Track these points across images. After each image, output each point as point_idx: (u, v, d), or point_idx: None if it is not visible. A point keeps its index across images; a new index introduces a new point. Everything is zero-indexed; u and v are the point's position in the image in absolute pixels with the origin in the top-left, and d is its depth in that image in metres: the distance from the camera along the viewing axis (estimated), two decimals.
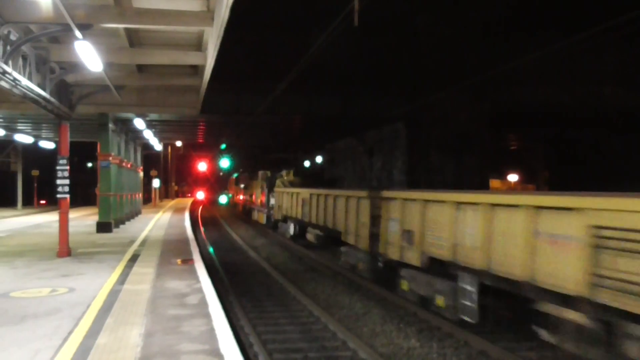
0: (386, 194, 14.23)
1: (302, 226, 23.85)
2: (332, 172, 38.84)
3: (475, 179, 22.88)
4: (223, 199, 67.82)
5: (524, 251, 8.54)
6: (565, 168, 33.12)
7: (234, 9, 10.02)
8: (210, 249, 23.86)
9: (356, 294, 14.36)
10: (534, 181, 44.86)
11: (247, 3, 12.64)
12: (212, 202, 76.53)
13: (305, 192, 22.99)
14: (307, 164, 66.33)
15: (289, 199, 26.16)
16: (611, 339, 7.18)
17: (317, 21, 14.48)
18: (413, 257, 12.22)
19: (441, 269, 11.22)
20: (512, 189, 49.39)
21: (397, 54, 22.94)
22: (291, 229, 25.79)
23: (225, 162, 66.66)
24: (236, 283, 15.95)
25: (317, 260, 20.08)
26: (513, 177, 48.57)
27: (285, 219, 27.12)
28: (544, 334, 8.66)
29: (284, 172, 33.02)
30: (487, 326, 10.13)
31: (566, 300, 7.80)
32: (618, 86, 22.65)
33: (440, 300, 11.17)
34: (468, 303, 10.08)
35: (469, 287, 10.08)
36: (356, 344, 9.92)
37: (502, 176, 49.88)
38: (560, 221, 7.92)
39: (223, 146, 55.44)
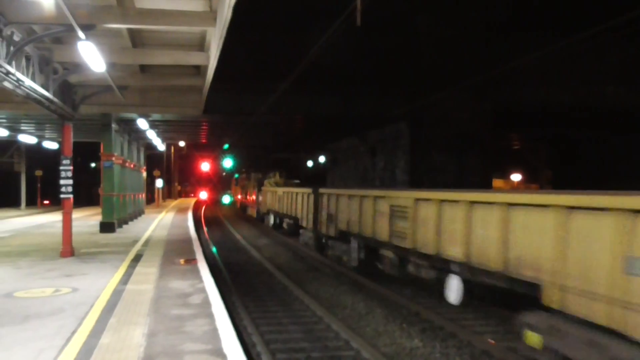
0: (321, 190, 20.74)
1: (280, 217, 30.22)
2: (310, 172, 44.09)
3: (477, 178, 22.87)
4: (226, 199, 69.38)
5: (371, 221, 15.21)
6: (567, 168, 33.09)
7: (236, 9, 10.03)
8: (214, 249, 23.90)
9: (359, 294, 14.38)
10: (536, 181, 44.84)
11: (249, 3, 12.65)
12: (215, 202, 76.62)
13: (280, 190, 29.84)
14: (310, 164, 66.52)
15: (270, 196, 32.84)
16: (402, 264, 13.48)
17: (319, 21, 14.48)
18: (331, 231, 18.99)
19: (345, 237, 17.50)
20: (514, 188, 49.38)
21: (398, 53, 22.94)
22: (271, 219, 32.46)
23: (228, 163, 67.96)
24: (239, 283, 15.98)
25: (320, 260, 20.11)
26: (516, 177, 48.56)
27: (268, 212, 33.70)
28: (378, 266, 15.15)
29: (271, 174, 39.20)
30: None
31: (384, 245, 14.43)
32: (619, 86, 22.62)
33: (344, 257, 17.84)
34: (354, 256, 16.68)
35: (354, 247, 16.67)
36: (359, 344, 9.94)
37: (505, 176, 49.87)
38: (380, 205, 14.69)
39: (226, 146, 55.77)
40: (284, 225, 28.94)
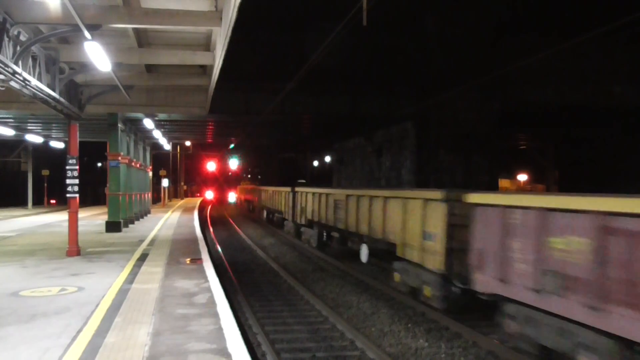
0: (297, 189, 26.06)
1: (270, 212, 35.62)
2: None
3: (484, 178, 22.78)
4: (232, 198, 73.62)
5: (324, 212, 20.58)
6: (575, 167, 32.92)
7: (241, 9, 10.01)
8: (219, 249, 23.91)
9: (364, 294, 14.35)
10: (543, 181, 44.64)
11: (254, 3, 12.64)
12: (221, 201, 76.75)
13: (270, 190, 35.92)
14: (316, 163, 66.66)
15: (264, 195, 39.24)
16: (342, 241, 18.76)
17: (325, 21, 14.46)
18: (303, 220, 24.48)
19: (311, 225, 23.04)
20: (520, 188, 49.20)
21: (405, 53, 22.91)
22: (265, 214, 38.52)
23: (234, 163, 70.78)
24: (244, 282, 15.98)
25: (325, 260, 20.09)
26: (523, 177, 48.40)
27: (262, 208, 40.16)
28: (329, 244, 20.85)
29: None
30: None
31: (332, 228, 19.80)
32: (627, 85, 22.49)
33: (312, 240, 22.96)
34: (315, 238, 22.20)
35: (316, 231, 22.08)
36: (364, 344, 9.91)
37: (512, 176, 49.69)
38: (329, 200, 19.96)
39: (232, 146, 56.14)
40: (274, 218, 34.05)
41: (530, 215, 8.54)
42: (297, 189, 26.07)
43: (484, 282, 9.81)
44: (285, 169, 70.63)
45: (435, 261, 11.72)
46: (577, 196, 7.84)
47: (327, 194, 20.65)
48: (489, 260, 9.69)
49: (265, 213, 38.27)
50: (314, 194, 22.42)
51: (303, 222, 24.45)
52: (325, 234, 21.52)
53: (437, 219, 11.80)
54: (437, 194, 11.98)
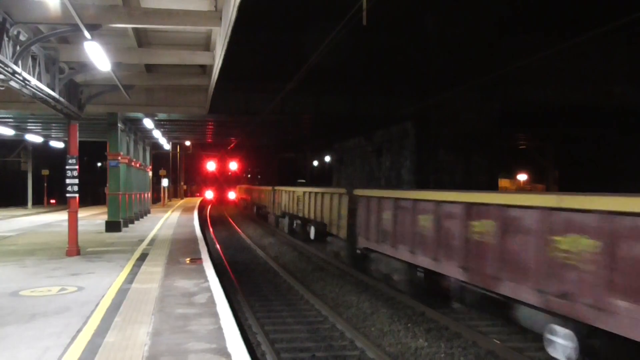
0: (276, 188, 32.67)
1: (259, 207, 42.49)
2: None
3: (484, 178, 22.77)
4: (232, 197, 75.51)
5: (291, 204, 27.39)
6: (575, 167, 32.92)
7: (241, 9, 10.01)
8: (219, 248, 23.92)
9: (364, 294, 14.35)
10: (543, 181, 44.62)
11: (254, 3, 12.64)
12: (221, 201, 76.84)
13: (259, 189, 43.46)
14: (315, 163, 66.71)
15: (255, 194, 45.26)
16: (303, 226, 25.45)
17: (325, 21, 14.46)
18: (278, 212, 31.24)
19: (284, 215, 29.08)
20: (520, 188, 49.20)
21: (405, 53, 22.91)
22: (255, 209, 45.20)
23: (233, 164, 72.48)
24: (244, 282, 15.98)
25: (325, 260, 20.10)
26: (523, 177, 48.39)
27: (253, 205, 46.53)
28: (295, 230, 26.95)
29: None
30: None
31: (296, 217, 26.90)
32: (627, 85, 22.49)
33: (285, 227, 29.01)
34: (286, 225, 28.58)
35: (287, 220, 28.45)
36: (364, 344, 9.91)
37: (512, 175, 49.68)
38: (294, 195, 26.83)
39: (232, 146, 56.39)
40: (254, 210, 43.65)
41: (373, 201, 15.05)
42: (275, 187, 33.01)
43: (361, 241, 15.96)
44: (284, 169, 70.69)
45: (343, 233, 18.09)
46: (387, 190, 17.41)
47: (293, 192, 27.41)
48: (362, 229, 15.83)
49: (255, 208, 45.21)
50: (285, 191, 29.37)
51: (279, 213, 31.39)
52: (293, 221, 27.82)
53: (343, 206, 18.23)
54: (343, 190, 19.01)
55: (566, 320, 7.85)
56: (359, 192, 16.73)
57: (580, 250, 7.48)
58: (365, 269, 16.02)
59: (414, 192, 13.41)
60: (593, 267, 7.22)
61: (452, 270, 10.91)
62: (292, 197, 27.10)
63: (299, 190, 25.81)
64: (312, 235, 23.22)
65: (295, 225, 27.38)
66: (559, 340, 8.11)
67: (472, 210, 10.29)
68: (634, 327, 6.54)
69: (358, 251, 16.10)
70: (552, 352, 8.28)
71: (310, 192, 23.30)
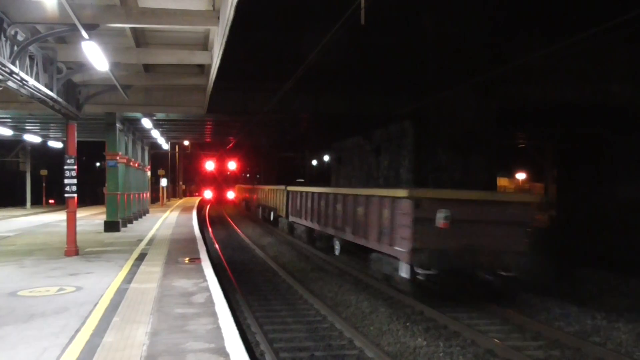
0: (256, 187, 46.54)
1: (248, 203, 51.38)
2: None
3: (482, 177, 22.75)
4: (231, 197, 76.49)
5: (264, 198, 38.11)
6: (574, 166, 32.91)
7: (238, 8, 10.00)
8: (217, 248, 23.91)
9: (363, 293, 14.35)
10: (542, 180, 44.60)
11: (251, 2, 12.61)
12: (219, 201, 76.86)
13: (247, 188, 55.24)
14: (314, 162, 66.85)
15: (249, 193, 52.42)
16: (270, 213, 35.43)
17: (323, 20, 14.43)
18: (257, 204, 42.97)
19: (258, 206, 42.04)
20: (519, 187, 49.21)
21: (403, 52, 22.87)
22: (244, 204, 55.63)
23: (232, 164, 73.14)
24: (243, 282, 15.98)
25: (324, 259, 20.10)
26: (521, 176, 48.36)
27: (244, 202, 56.15)
28: (266, 216, 37.11)
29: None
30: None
31: (266, 207, 36.90)
32: (625, 84, 22.49)
33: (259, 214, 41.31)
34: (260, 214, 40.76)
35: (260, 210, 40.71)
36: (362, 343, 9.92)
37: (510, 174, 49.68)
38: (265, 192, 37.78)
39: (230, 146, 56.48)
40: (247, 204, 52.58)
41: (295, 193, 26.19)
42: (256, 186, 46.73)
43: (291, 218, 27.14)
44: (283, 168, 70.65)
45: (285, 214, 28.85)
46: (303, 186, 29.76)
47: (263, 189, 39.21)
48: (291, 210, 27.37)
49: (244, 203, 55.92)
50: (262, 189, 40.01)
51: (258, 205, 42.50)
52: (264, 211, 37.20)
53: (283, 197, 29.19)
54: (282, 187, 29.67)
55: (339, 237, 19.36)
56: (290, 188, 28.28)
57: (360, 212, 16.62)
58: (292, 233, 27.45)
59: (306, 188, 25.77)
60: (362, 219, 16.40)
61: (324, 228, 21.03)
62: (264, 192, 36.03)
63: (267, 188, 35.12)
64: (272, 218, 33.97)
65: (267, 213, 35.85)
66: (336, 246, 20.06)
67: (329, 196, 20.27)
68: (354, 238, 17.16)
69: (289, 221, 27.91)
70: (336, 252, 19.93)
71: (269, 189, 34.29)
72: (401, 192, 13.36)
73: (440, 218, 12.32)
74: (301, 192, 25.22)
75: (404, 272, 12.81)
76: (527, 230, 13.13)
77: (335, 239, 20.21)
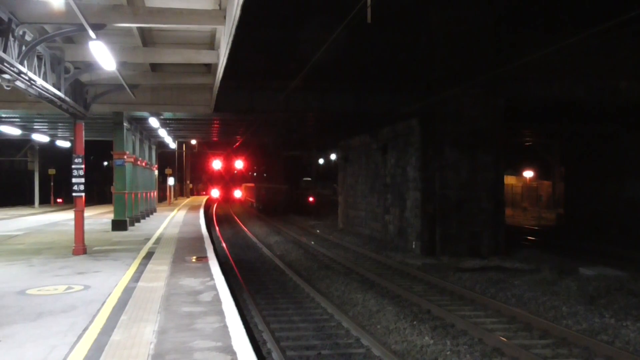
0: (254, 185, 63.72)
1: (244, 197, 66.92)
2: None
3: (490, 175, 22.68)
4: (238, 195, 77.70)
5: (256, 193, 56.66)
6: (581, 163, 32.76)
7: (245, 7, 10.00)
8: (225, 247, 23.96)
9: (370, 291, 14.35)
10: (549, 177, 44.41)
11: (258, 1, 12.64)
12: (227, 200, 77.07)
13: (250, 186, 65.79)
14: (321, 161, 66.94)
15: (248, 190, 66.17)
16: (258, 206, 55.44)
17: (329, 18, 14.43)
18: (254, 199, 57.39)
19: (256, 205, 56.35)
20: (527, 184, 49.02)
21: (410, 50, 22.82)
22: (241, 197, 71.38)
23: (239, 163, 73.88)
24: (250, 280, 16.02)
25: (331, 258, 20.11)
26: (529, 174, 48.19)
27: (245, 199, 67.40)
28: (257, 208, 55.35)
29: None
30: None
31: (258, 201, 56.29)
32: (633, 80, 22.34)
33: (255, 207, 56.01)
34: (256, 207, 54.93)
35: (255, 203, 57.04)
36: (370, 341, 9.92)
37: (518, 172, 49.50)
38: (255, 189, 59.15)
39: (237, 145, 57.32)
40: (247, 201, 64.50)
41: (249, 186, 63.36)
42: (254, 184, 60.72)
43: (255, 203, 55.02)
44: (290, 167, 70.69)
45: (255, 202, 54.75)
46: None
47: (252, 186, 58.23)
48: (253, 197, 56.80)
49: (250, 201, 63.10)
50: (250, 187, 55.75)
51: (254, 200, 54.50)
52: (258, 204, 51.47)
53: (253, 190, 58.42)
54: (251, 184, 63.82)
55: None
56: (245, 185, 61.38)
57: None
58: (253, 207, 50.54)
59: (251, 184, 62.72)
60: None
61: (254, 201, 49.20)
62: (253, 189, 61.48)
63: (256, 185, 56.22)
64: (255, 208, 52.30)
65: (261, 206, 52.72)
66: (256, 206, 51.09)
67: (255, 186, 53.01)
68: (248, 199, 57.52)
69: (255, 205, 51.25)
70: (257, 207, 51.09)
71: (255, 186, 57.33)
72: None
73: None
74: (251, 186, 48.79)
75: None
76: None
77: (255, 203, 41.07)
